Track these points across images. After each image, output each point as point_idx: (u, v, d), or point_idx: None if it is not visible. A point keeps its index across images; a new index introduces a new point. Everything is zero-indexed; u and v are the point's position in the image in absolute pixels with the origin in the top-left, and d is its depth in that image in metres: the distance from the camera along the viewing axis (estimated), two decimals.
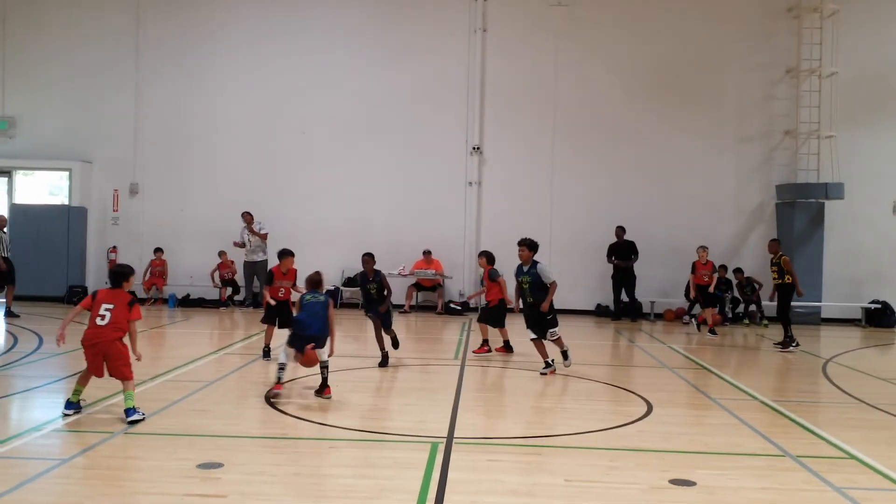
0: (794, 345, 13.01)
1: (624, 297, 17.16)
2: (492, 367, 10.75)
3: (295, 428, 7.12)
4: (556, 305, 17.17)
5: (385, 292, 10.32)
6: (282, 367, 8.36)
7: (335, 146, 18.28)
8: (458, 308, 17.36)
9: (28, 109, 18.45)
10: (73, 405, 7.27)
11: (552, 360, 10.15)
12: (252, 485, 5.42)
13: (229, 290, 17.64)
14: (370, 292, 10.36)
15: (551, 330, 10.06)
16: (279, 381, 8.35)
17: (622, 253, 16.98)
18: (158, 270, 17.75)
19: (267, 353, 10.51)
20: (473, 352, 11.61)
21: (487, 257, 11.85)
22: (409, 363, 10.73)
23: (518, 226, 16.70)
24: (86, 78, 18.37)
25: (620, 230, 17.08)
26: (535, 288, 10.03)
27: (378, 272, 10.39)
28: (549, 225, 17.88)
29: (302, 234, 17.86)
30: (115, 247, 18.11)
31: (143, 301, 17.62)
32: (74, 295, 16.98)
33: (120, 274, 7.59)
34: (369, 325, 10.91)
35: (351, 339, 13.10)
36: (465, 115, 18.12)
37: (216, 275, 17.68)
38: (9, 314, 14.70)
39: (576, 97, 18.11)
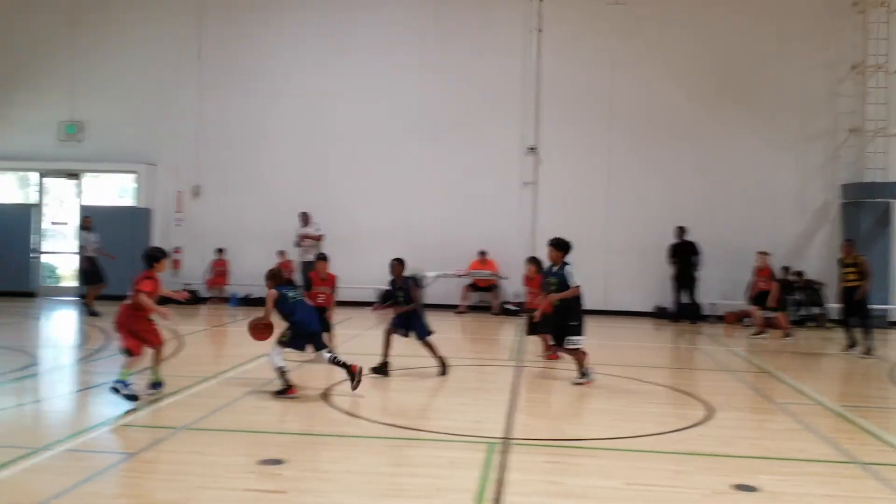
0: (870, 353, 12.37)
1: (684, 298, 16.90)
2: (548, 368, 10.69)
3: (351, 426, 7.20)
4: (612, 307, 17.20)
5: (411, 302, 9.69)
6: (284, 371, 8.19)
7: (392, 147, 18.43)
8: (515, 309, 17.31)
9: (96, 114, 19.04)
10: (156, 385, 7.80)
11: (588, 371, 9.47)
12: (310, 481, 5.50)
13: None
14: (399, 300, 9.81)
15: (571, 338, 9.31)
16: (291, 385, 8.17)
17: (682, 253, 16.73)
18: (220, 270, 18.14)
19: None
20: (548, 358, 11.15)
21: (538, 265, 11.21)
22: (465, 363, 10.73)
23: (574, 226, 16.57)
24: (151, 83, 18.89)
25: (680, 230, 16.82)
26: (562, 290, 9.37)
27: (407, 279, 9.84)
28: (605, 225, 17.72)
29: (359, 235, 18.08)
30: (178, 247, 18.56)
31: (204, 300, 18.04)
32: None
33: (150, 256, 8.03)
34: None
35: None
36: (521, 116, 18.08)
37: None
38: (90, 313, 15.09)
39: (633, 96, 17.92)
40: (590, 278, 16.93)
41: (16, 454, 5.98)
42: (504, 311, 17.32)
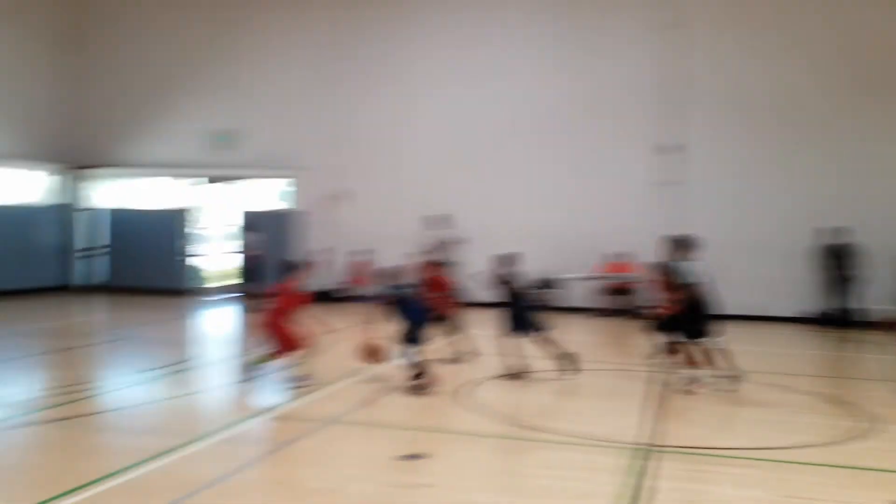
0: None
1: (838, 303, 15.93)
2: (687, 373, 10.37)
3: (492, 426, 7.27)
4: (756, 311, 16.40)
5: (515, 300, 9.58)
6: (419, 366, 8.58)
7: (528, 147, 18.40)
8: (651, 313, 16.85)
9: (256, 122, 20.04)
10: (298, 379, 8.62)
11: (709, 374, 9.07)
12: (454, 478, 5.62)
13: None
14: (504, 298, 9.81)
15: (699, 339, 9.00)
16: (428, 380, 8.55)
17: (840, 256, 15.79)
18: (365, 270, 18.61)
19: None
20: (671, 362, 10.90)
21: (664, 267, 10.76)
22: (600, 368, 10.60)
23: (715, 227, 16.01)
24: (305, 90, 19.70)
25: (838, 231, 15.86)
26: (679, 290, 9.07)
27: (509, 277, 9.71)
28: (746, 226, 16.94)
29: (495, 236, 18.15)
30: (329, 248, 19.23)
31: (351, 299, 18.61)
32: None
33: (286, 267, 9.03)
34: (562, 329, 10.70)
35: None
36: (658, 113, 17.62)
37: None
38: (249, 310, 16.01)
39: (774, 91, 16.99)
40: (731, 281, 16.29)
41: (178, 441, 6.46)
42: (641, 315, 16.91)
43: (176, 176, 20.80)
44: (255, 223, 17.10)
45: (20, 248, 18.85)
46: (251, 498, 5.13)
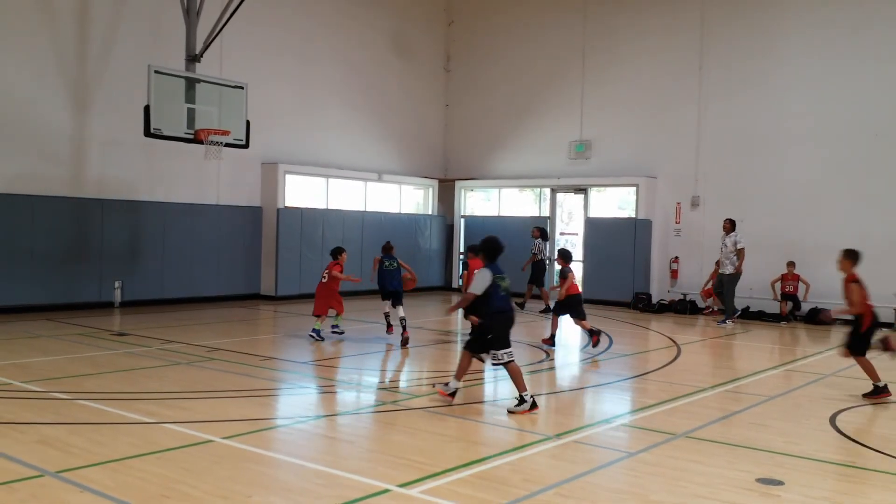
0: None
1: None
2: None
3: (862, 457, 6.49)
4: None
5: None
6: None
7: None
8: None
9: (602, 132, 20.42)
10: (317, 331, 12.14)
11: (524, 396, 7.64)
12: None
13: (790, 305, 16.80)
14: None
15: None
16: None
17: None
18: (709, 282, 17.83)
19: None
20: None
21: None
22: None
23: None
24: (652, 99, 19.54)
25: None
26: None
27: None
28: None
29: (871, 244, 16.21)
30: (676, 257, 18.84)
31: (701, 311, 17.92)
32: (640, 301, 18.14)
33: (333, 251, 12.55)
34: None
35: None
36: None
37: (777, 286, 16.99)
38: (520, 305, 16.66)
39: None
40: None
41: (532, 439, 6.76)
42: None
43: (533, 186, 21.82)
44: (545, 230, 18.46)
45: (408, 252, 21.23)
46: (592, 503, 5.18)
